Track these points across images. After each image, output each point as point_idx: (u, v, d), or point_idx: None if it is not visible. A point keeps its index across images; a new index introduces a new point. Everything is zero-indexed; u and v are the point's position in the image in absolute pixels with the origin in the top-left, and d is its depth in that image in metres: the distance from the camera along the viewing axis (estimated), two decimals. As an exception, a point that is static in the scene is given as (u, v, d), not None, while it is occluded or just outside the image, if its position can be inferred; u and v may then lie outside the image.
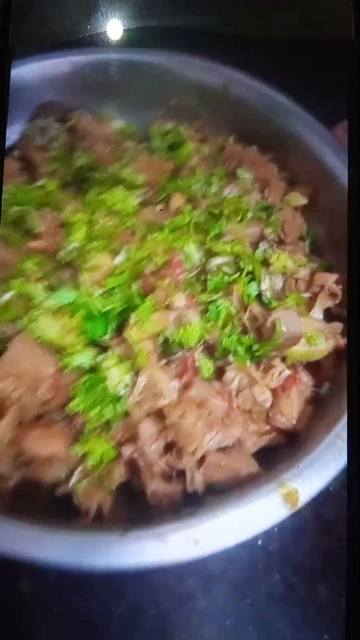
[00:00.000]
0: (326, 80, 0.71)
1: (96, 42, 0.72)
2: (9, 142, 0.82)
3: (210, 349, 0.61)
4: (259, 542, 0.52)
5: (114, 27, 0.71)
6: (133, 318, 0.57)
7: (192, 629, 0.51)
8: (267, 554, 0.52)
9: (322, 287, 0.65)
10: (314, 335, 0.61)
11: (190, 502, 0.54)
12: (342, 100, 0.66)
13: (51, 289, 0.62)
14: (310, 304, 0.65)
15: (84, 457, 0.54)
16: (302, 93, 0.75)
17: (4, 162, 0.70)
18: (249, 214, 0.68)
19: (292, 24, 0.72)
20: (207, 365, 0.58)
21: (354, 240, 0.62)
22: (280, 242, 0.69)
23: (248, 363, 0.59)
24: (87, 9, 0.71)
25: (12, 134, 0.82)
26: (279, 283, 0.65)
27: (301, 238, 0.72)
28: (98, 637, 0.51)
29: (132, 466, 0.56)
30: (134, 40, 0.73)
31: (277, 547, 0.53)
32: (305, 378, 0.61)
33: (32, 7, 0.70)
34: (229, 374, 0.58)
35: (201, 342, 0.61)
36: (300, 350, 0.61)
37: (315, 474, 0.53)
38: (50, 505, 0.55)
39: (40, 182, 0.69)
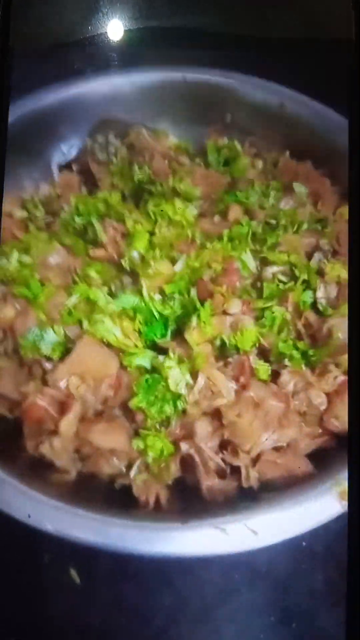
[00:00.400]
0: (326, 80, 0.78)
1: (96, 42, 0.79)
2: (66, 156, 0.95)
3: (264, 353, 0.70)
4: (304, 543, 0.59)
5: (114, 28, 0.79)
6: (194, 321, 0.66)
7: (237, 623, 0.58)
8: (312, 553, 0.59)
9: (376, 296, 0.72)
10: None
11: (246, 498, 0.62)
12: (342, 100, 0.73)
13: (112, 294, 0.73)
14: (365, 313, 0.72)
15: (143, 451, 0.63)
16: (302, 93, 0.85)
17: (4, 163, 0.78)
18: (305, 225, 0.77)
19: (292, 24, 0.79)
20: (264, 368, 0.66)
21: (355, 243, 0.68)
22: (335, 253, 0.77)
23: (303, 367, 0.67)
24: (88, 9, 0.78)
25: (71, 149, 0.95)
26: (333, 292, 0.73)
27: (355, 250, 0.80)
28: (146, 625, 0.58)
29: (187, 462, 0.64)
30: (134, 40, 0.80)
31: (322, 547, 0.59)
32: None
33: (32, 7, 0.76)
34: (285, 377, 0.67)
35: (256, 346, 0.69)
36: (355, 357, 0.68)
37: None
38: (109, 496, 0.64)
39: (101, 195, 0.80)
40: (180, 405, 0.65)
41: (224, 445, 0.66)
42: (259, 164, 0.90)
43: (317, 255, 0.76)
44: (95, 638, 0.59)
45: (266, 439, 0.64)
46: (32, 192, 0.89)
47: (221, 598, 0.59)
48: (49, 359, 0.69)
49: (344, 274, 0.74)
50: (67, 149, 0.96)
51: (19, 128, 0.87)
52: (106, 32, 0.79)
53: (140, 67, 0.89)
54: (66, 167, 0.94)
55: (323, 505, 0.59)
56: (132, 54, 0.84)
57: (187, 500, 0.65)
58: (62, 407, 0.67)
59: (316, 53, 0.79)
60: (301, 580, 0.60)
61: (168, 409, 0.64)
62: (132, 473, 0.64)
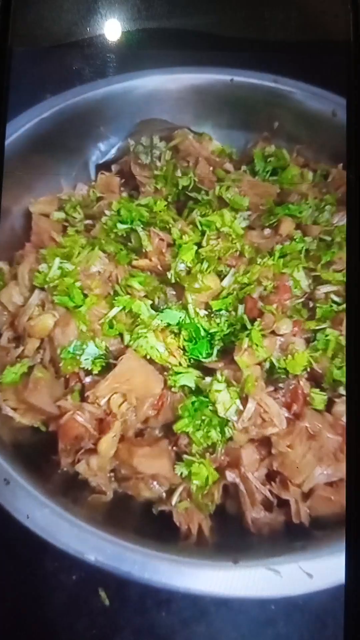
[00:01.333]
0: (324, 81, 0.77)
1: (95, 43, 0.78)
2: (106, 156, 0.91)
3: (316, 379, 0.65)
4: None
5: (113, 29, 0.77)
6: (245, 342, 0.62)
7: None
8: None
9: None
10: None
11: (297, 535, 0.57)
12: (339, 101, 0.73)
13: (154, 307, 0.69)
14: None
15: (187, 477, 0.59)
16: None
17: (4, 162, 0.76)
18: (360, 243, 0.72)
19: (289, 26, 0.78)
20: (320, 397, 0.62)
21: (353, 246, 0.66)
22: (391, 274, 0.73)
23: None
24: (86, 10, 0.76)
25: (110, 148, 0.91)
26: (391, 316, 0.69)
27: None
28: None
29: (229, 491, 0.61)
30: (132, 41, 0.78)
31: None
32: None
33: (31, 8, 0.75)
34: (340, 406, 0.62)
35: (307, 370, 0.65)
36: None
37: None
38: (145, 522, 0.60)
39: (144, 201, 0.76)
40: (228, 431, 0.60)
41: (271, 477, 0.62)
42: (309, 175, 0.85)
43: (373, 276, 0.71)
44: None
45: (319, 474, 0.60)
46: (69, 193, 0.86)
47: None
48: (87, 372, 0.65)
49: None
50: (107, 149, 0.92)
51: (55, 122, 0.84)
52: (104, 34, 0.77)
53: (187, 66, 0.85)
54: (105, 167, 0.90)
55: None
56: (169, 54, 0.83)
57: (230, 533, 0.61)
58: (102, 425, 0.63)
59: (314, 54, 0.78)
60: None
61: (214, 434, 0.61)
62: (174, 500, 0.61)
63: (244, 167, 0.86)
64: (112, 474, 0.64)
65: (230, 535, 0.60)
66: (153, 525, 0.61)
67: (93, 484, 0.63)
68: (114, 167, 0.88)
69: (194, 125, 0.93)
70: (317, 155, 0.90)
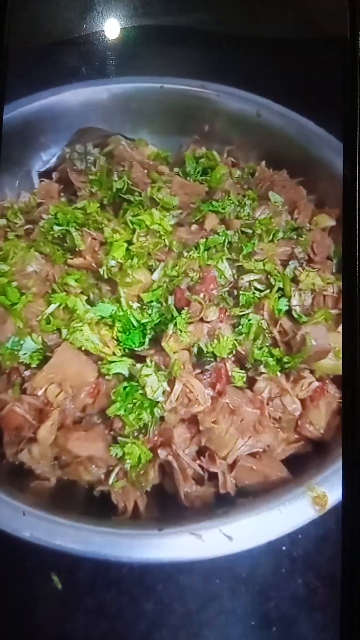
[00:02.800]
0: (320, 78, 0.79)
1: (91, 41, 0.80)
2: (45, 164, 0.95)
3: (241, 360, 0.70)
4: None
5: (109, 26, 0.79)
6: (170, 329, 0.67)
7: (218, 628, 0.58)
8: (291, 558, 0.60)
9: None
10: (341, 350, 0.69)
11: (223, 504, 0.62)
12: (336, 98, 0.73)
13: (90, 302, 0.73)
14: (338, 320, 0.73)
15: (122, 458, 0.63)
16: (296, 91, 0.86)
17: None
18: (280, 234, 0.78)
19: (286, 22, 0.80)
20: (239, 375, 0.67)
21: (349, 244, 0.69)
22: (310, 261, 0.78)
23: (278, 374, 0.68)
24: (82, 8, 0.78)
25: (51, 157, 0.95)
26: (308, 299, 0.74)
27: (329, 257, 0.81)
28: (127, 630, 0.58)
29: (166, 469, 0.65)
30: (129, 39, 0.81)
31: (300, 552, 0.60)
32: (333, 390, 0.69)
33: (27, 7, 0.77)
34: (260, 383, 0.67)
35: (232, 353, 0.69)
36: (328, 363, 0.70)
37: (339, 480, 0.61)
38: (88, 503, 0.64)
39: (80, 204, 0.80)
40: (157, 412, 0.65)
41: (201, 452, 0.66)
42: (237, 173, 0.91)
43: (292, 264, 0.76)
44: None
45: (242, 445, 0.64)
46: (12, 200, 0.89)
47: (201, 603, 0.59)
48: (28, 366, 0.69)
49: (319, 281, 0.75)
50: (48, 158, 0.96)
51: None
52: (101, 31, 0.79)
53: (117, 76, 0.90)
54: (46, 175, 0.94)
55: (297, 511, 0.59)
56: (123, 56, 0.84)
57: (166, 507, 0.65)
58: (41, 415, 0.66)
59: (311, 51, 0.80)
60: (281, 585, 0.60)
61: (145, 416, 0.64)
62: (111, 480, 0.64)
63: (176, 169, 0.91)
64: (56, 462, 0.67)
65: (164, 510, 0.64)
66: (94, 506, 0.64)
67: (37, 471, 0.66)
68: (54, 175, 0.92)
69: (131, 132, 0.98)
70: (246, 155, 0.95)
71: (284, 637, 0.59)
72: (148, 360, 0.67)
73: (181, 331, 0.67)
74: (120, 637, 0.58)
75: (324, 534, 0.61)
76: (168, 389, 0.65)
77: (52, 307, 0.71)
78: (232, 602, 0.59)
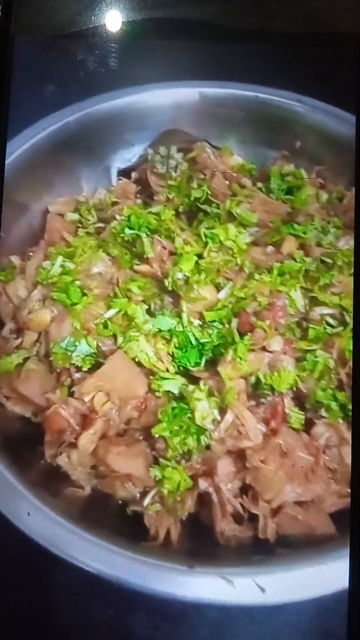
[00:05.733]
0: (333, 75, 0.78)
1: (99, 33, 0.81)
2: (127, 162, 0.96)
3: (300, 399, 0.68)
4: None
5: (117, 19, 0.80)
6: (230, 355, 0.65)
7: None
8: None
9: None
10: None
11: (260, 550, 0.60)
12: (349, 95, 0.74)
13: (150, 313, 0.72)
14: None
15: (160, 481, 0.62)
16: (308, 88, 0.84)
17: (5, 157, 0.79)
18: (362, 269, 0.75)
19: (298, 17, 0.79)
20: (297, 416, 0.64)
21: None
22: (393, 302, 0.74)
23: (340, 421, 0.65)
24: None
25: (133, 156, 0.96)
26: (385, 344, 0.70)
27: None
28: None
29: (205, 500, 0.63)
30: (137, 32, 0.81)
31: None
32: None
33: None
34: (319, 428, 0.65)
35: (292, 389, 0.67)
36: None
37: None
38: (119, 521, 0.64)
39: (155, 209, 0.80)
40: (204, 440, 0.63)
41: (245, 491, 0.64)
42: (324, 196, 0.88)
43: (372, 302, 0.73)
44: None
45: (290, 492, 0.62)
46: (88, 196, 0.91)
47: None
48: (79, 369, 0.69)
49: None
50: (130, 156, 0.97)
51: (82, 126, 0.89)
52: (108, 23, 0.80)
53: (210, 79, 0.89)
54: (125, 174, 0.95)
55: (340, 572, 0.56)
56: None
57: (199, 540, 0.64)
58: (85, 421, 0.67)
59: (323, 47, 0.79)
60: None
61: (191, 442, 0.64)
62: (146, 502, 0.64)
63: (259, 184, 0.89)
64: (93, 471, 0.67)
65: (197, 543, 0.63)
66: (125, 525, 0.64)
67: (73, 477, 0.67)
68: (133, 175, 0.93)
69: (218, 139, 0.97)
70: (337, 178, 0.93)
71: None
72: (201, 384, 0.66)
73: (241, 358, 0.65)
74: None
75: None
76: (218, 417, 0.64)
77: (112, 311, 0.71)
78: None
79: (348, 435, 0.64)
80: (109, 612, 0.58)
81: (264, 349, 0.70)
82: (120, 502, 0.66)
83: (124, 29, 0.82)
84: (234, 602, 0.55)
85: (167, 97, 0.93)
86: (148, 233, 0.77)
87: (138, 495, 0.65)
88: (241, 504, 0.63)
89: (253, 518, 0.63)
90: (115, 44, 0.84)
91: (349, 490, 0.65)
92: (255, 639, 0.57)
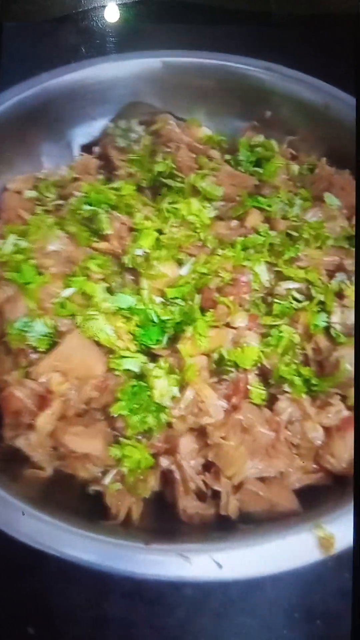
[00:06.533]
0: (331, 55, 0.83)
1: (89, 17, 0.85)
2: (90, 137, 1.00)
3: (265, 375, 0.72)
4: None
5: (108, 2, 0.84)
6: (189, 332, 0.69)
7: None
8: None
9: None
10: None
11: (222, 527, 0.64)
12: (347, 76, 0.78)
13: (110, 291, 0.76)
14: (386, 345, 0.73)
15: (120, 460, 0.66)
16: (306, 68, 0.90)
17: None
18: (330, 241, 0.79)
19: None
20: (258, 391, 0.68)
21: None
22: (361, 275, 0.78)
23: (304, 396, 0.69)
24: None
25: (95, 131, 0.99)
26: (351, 318, 0.74)
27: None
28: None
29: (168, 478, 0.67)
30: (128, 15, 0.85)
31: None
32: (366, 422, 0.69)
33: None
34: (282, 403, 0.69)
35: (257, 365, 0.71)
36: (364, 392, 0.70)
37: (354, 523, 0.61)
38: (81, 501, 0.68)
39: (115, 184, 0.84)
40: (163, 418, 0.67)
41: (208, 468, 0.68)
42: (294, 168, 0.92)
43: (339, 276, 0.77)
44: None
45: (251, 468, 0.66)
46: (49, 173, 0.94)
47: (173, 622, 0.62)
48: (35, 350, 0.73)
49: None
50: (93, 131, 1.00)
51: (40, 101, 0.93)
52: (99, 7, 0.84)
53: (172, 47, 0.93)
54: (88, 149, 0.98)
55: (299, 549, 0.60)
56: (150, 31, 0.90)
57: (162, 518, 0.67)
58: (42, 402, 0.70)
59: (321, 28, 0.84)
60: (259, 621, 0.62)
61: (151, 420, 0.67)
62: (106, 481, 0.67)
63: (227, 156, 0.93)
64: (55, 452, 0.71)
65: (160, 521, 0.67)
66: (88, 505, 0.68)
67: (34, 459, 0.70)
68: (95, 150, 0.96)
69: (187, 111, 1.01)
70: (309, 149, 0.96)
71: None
72: (161, 361, 0.70)
73: (200, 335, 0.69)
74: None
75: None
76: (178, 394, 0.68)
77: (69, 290, 0.75)
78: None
79: (311, 410, 0.68)
80: (70, 591, 0.62)
81: (227, 325, 0.73)
82: (82, 482, 0.69)
83: (116, 13, 0.86)
84: (191, 578, 0.59)
85: (128, 68, 0.97)
86: (107, 209, 0.80)
87: (99, 475, 0.68)
88: (204, 481, 0.67)
89: (216, 495, 0.67)
90: (107, 28, 0.88)
91: (316, 466, 0.70)
92: (217, 615, 0.61)
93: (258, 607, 0.61)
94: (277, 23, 0.88)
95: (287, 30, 0.90)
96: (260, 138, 0.95)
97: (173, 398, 0.68)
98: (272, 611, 0.61)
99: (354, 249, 0.79)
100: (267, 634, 0.61)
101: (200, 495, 0.67)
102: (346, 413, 0.70)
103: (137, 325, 0.73)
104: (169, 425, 0.68)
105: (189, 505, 0.66)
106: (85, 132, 1.00)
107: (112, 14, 0.87)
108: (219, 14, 0.88)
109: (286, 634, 0.61)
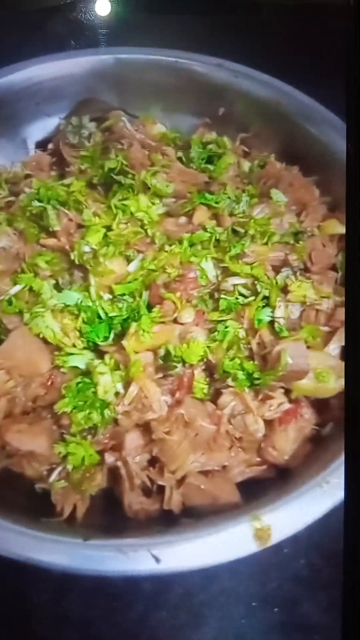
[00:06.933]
0: (321, 45, 0.81)
1: (77, 7, 0.83)
2: (45, 134, 0.98)
3: (210, 370, 0.71)
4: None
5: None
6: (133, 328, 0.68)
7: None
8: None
9: (342, 322, 0.73)
10: (324, 371, 0.70)
11: (165, 521, 0.63)
12: (337, 66, 0.74)
13: (58, 288, 0.75)
14: (328, 338, 0.74)
15: (65, 457, 0.65)
16: (296, 59, 0.89)
17: None
18: (275, 237, 0.78)
19: None
20: (200, 385, 0.68)
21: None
22: (306, 270, 0.78)
23: (247, 390, 0.68)
24: None
25: (51, 127, 0.97)
26: (295, 312, 0.74)
27: (334, 268, 0.80)
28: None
29: (115, 475, 0.66)
30: (118, 5, 0.84)
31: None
32: (308, 415, 0.70)
33: None
34: (225, 397, 0.68)
35: (203, 361, 0.70)
36: (306, 385, 0.70)
37: (293, 514, 0.61)
38: (29, 499, 0.67)
39: (66, 181, 0.82)
40: (108, 414, 0.66)
41: (153, 463, 0.67)
42: (245, 165, 0.91)
43: (284, 271, 0.76)
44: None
45: (193, 461, 0.65)
46: (1, 169, 0.92)
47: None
48: (-17, 348, 0.71)
49: (312, 294, 0.75)
50: (49, 128, 0.98)
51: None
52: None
53: (128, 44, 0.92)
54: (42, 146, 0.96)
55: (234, 541, 0.60)
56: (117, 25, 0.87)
57: (108, 515, 0.67)
58: (-13, 401, 0.69)
59: (311, 18, 0.83)
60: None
61: (95, 416, 0.66)
62: (52, 478, 0.66)
63: (179, 153, 0.91)
64: (3, 451, 0.69)
65: (106, 517, 0.66)
66: (35, 503, 0.67)
67: (-18, 458, 0.69)
68: (49, 146, 0.94)
69: (142, 108, 0.99)
70: (261, 146, 0.95)
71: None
72: (106, 358, 0.69)
73: (144, 331, 0.68)
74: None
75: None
76: (122, 390, 0.67)
77: (16, 287, 0.73)
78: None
79: (252, 404, 0.67)
80: (13, 588, 0.61)
81: (175, 321, 0.72)
82: (29, 480, 0.68)
83: (104, 3, 0.84)
84: (129, 572, 0.58)
85: (82, 65, 0.95)
86: (57, 206, 0.79)
87: (45, 472, 0.67)
88: (148, 477, 0.66)
89: (161, 490, 0.66)
90: (95, 19, 0.86)
91: (259, 459, 0.69)
92: (156, 608, 0.60)
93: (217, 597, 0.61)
94: (267, 13, 0.87)
95: (276, 20, 0.88)
96: (213, 135, 0.94)
97: (117, 394, 0.67)
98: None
99: (299, 245, 0.79)
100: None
101: (146, 491, 0.66)
102: (288, 406, 0.69)
103: (84, 322, 0.72)
104: (115, 421, 0.67)
105: (134, 500, 0.65)
106: (40, 129, 0.99)
107: (101, 6, 0.85)
108: (209, 4, 0.87)
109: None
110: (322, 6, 0.82)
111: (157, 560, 0.58)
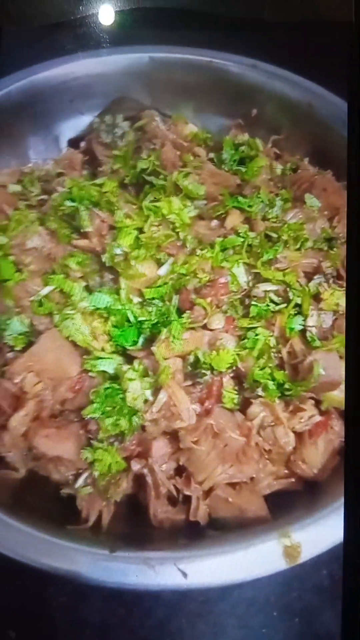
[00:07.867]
0: (325, 62, 0.78)
1: (88, 23, 0.80)
2: (77, 131, 0.93)
3: (239, 378, 0.66)
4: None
5: (106, 8, 0.79)
6: (164, 334, 0.63)
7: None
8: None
9: (374, 332, 0.68)
10: (358, 382, 0.64)
11: (190, 532, 0.59)
12: (341, 82, 0.73)
13: (89, 290, 0.70)
14: (362, 349, 0.68)
15: (92, 463, 0.61)
16: (300, 75, 0.84)
17: None
18: (309, 243, 0.72)
19: (290, 5, 0.79)
20: (230, 395, 0.63)
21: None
22: (339, 278, 0.72)
23: (277, 400, 0.63)
24: None
25: (84, 125, 0.92)
26: (328, 321, 0.68)
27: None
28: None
29: (141, 482, 0.62)
30: (125, 20, 0.80)
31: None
32: (338, 427, 0.64)
33: None
34: (254, 408, 0.63)
35: (232, 369, 0.65)
36: (338, 396, 0.65)
37: (323, 531, 0.56)
38: (53, 504, 0.63)
39: (98, 181, 0.77)
40: (136, 421, 0.62)
41: (181, 472, 0.63)
42: (278, 167, 0.85)
43: (317, 279, 0.71)
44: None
45: (221, 473, 0.60)
46: (33, 166, 0.87)
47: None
48: (12, 348, 0.67)
49: (344, 302, 0.69)
50: (83, 126, 0.93)
51: (25, 95, 0.86)
52: (98, 13, 0.79)
53: (161, 45, 0.86)
54: (75, 144, 0.91)
55: (264, 558, 0.55)
56: (136, 33, 0.84)
57: (133, 522, 0.62)
58: (16, 402, 0.65)
59: (315, 35, 0.78)
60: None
61: (123, 423, 0.62)
62: (78, 484, 0.62)
63: (211, 155, 0.86)
64: (30, 454, 0.66)
65: (131, 525, 0.62)
66: (60, 508, 0.63)
67: (7, 459, 0.65)
68: (81, 144, 0.89)
69: (174, 107, 0.94)
70: (294, 148, 0.89)
71: None
72: (136, 363, 0.64)
73: (175, 337, 0.63)
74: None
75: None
76: (151, 398, 0.62)
77: (47, 289, 0.69)
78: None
79: (283, 415, 0.63)
80: (35, 598, 0.57)
81: (204, 327, 0.67)
82: (54, 485, 0.64)
83: (113, 18, 0.80)
84: (156, 586, 0.54)
85: (116, 63, 0.89)
86: (89, 206, 0.74)
87: (71, 477, 0.63)
88: (175, 486, 0.62)
89: (187, 500, 0.62)
90: (104, 33, 0.82)
91: (287, 471, 0.64)
92: (188, 623, 0.56)
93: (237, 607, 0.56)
94: (270, 30, 0.82)
95: (280, 37, 0.83)
96: (245, 136, 0.88)
97: (146, 401, 0.62)
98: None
99: (332, 251, 0.73)
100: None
101: (172, 500, 0.62)
102: (318, 418, 0.64)
103: (114, 326, 0.67)
104: (142, 428, 0.63)
105: (159, 509, 0.61)
106: (73, 127, 0.93)
107: (109, 19, 0.81)
108: (213, 20, 0.83)
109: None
110: (326, 23, 0.78)
111: (184, 575, 0.54)
